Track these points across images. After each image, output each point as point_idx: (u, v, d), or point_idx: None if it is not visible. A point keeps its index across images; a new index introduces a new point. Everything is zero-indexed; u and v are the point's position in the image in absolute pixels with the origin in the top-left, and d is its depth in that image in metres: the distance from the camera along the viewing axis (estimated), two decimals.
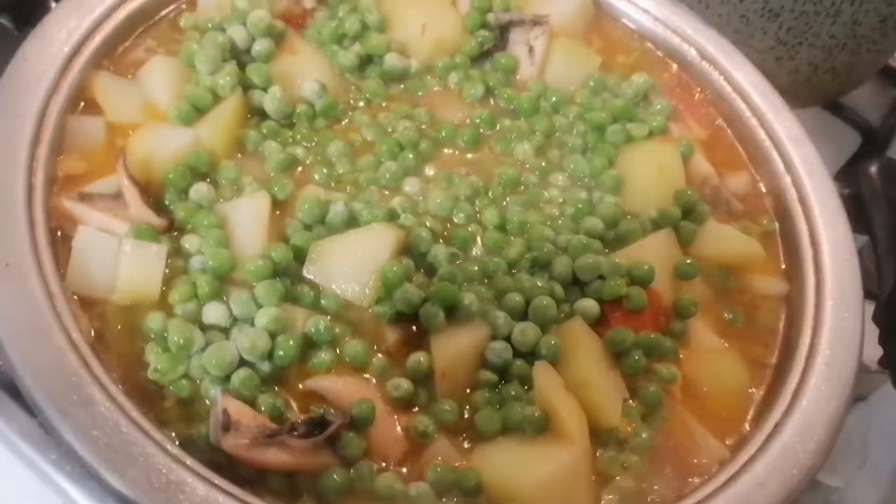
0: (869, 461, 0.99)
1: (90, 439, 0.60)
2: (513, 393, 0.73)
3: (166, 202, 0.76)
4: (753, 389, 0.81)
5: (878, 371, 0.90)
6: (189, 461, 0.61)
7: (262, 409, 0.67)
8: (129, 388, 0.66)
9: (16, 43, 0.80)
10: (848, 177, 1.12)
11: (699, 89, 1.03)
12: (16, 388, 0.82)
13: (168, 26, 0.90)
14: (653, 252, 0.83)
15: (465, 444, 0.71)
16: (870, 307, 0.90)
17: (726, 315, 0.85)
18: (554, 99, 0.95)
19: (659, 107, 0.97)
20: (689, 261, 0.84)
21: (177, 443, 0.63)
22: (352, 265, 0.74)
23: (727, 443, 0.76)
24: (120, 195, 0.74)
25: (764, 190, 0.96)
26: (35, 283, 0.66)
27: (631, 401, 0.76)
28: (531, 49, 0.96)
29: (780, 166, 0.95)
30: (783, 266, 0.91)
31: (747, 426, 0.78)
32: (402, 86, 0.93)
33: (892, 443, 1.07)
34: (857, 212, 0.95)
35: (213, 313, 0.70)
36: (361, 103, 0.90)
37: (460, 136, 0.89)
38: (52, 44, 0.79)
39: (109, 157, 0.78)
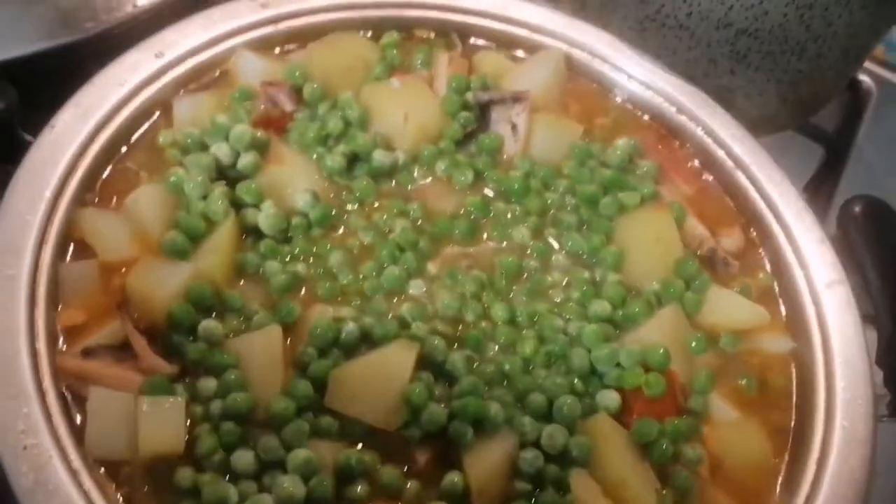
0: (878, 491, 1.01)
1: None
2: (549, 500, 0.72)
3: (174, 342, 0.74)
4: (777, 459, 0.81)
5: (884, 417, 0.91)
6: None
7: None
8: None
9: None
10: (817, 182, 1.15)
11: (678, 143, 1.03)
12: None
13: (146, 146, 0.87)
14: (663, 331, 0.83)
15: None
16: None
17: (740, 382, 0.85)
18: (542, 174, 0.94)
19: (645, 168, 0.97)
20: (699, 335, 0.85)
21: None
22: (374, 391, 0.72)
23: None
24: (126, 345, 0.72)
25: (758, 241, 0.97)
26: (57, 464, 0.63)
27: (663, 490, 0.76)
28: (514, 126, 0.95)
29: (770, 216, 0.96)
30: (785, 319, 0.91)
31: (777, 496, 0.79)
32: (392, 181, 0.91)
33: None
34: (848, 253, 0.96)
35: (242, 460, 0.68)
36: (354, 205, 0.88)
37: (456, 227, 0.88)
38: (32, 190, 0.76)
39: (108, 301, 0.75)
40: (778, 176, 0.99)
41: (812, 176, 1.38)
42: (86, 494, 0.63)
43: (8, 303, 0.70)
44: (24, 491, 0.62)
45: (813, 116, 1.30)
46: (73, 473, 0.63)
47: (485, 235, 0.90)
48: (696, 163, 1.02)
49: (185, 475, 0.67)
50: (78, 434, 0.67)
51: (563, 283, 0.87)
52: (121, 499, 0.66)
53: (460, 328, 0.81)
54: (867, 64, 1.51)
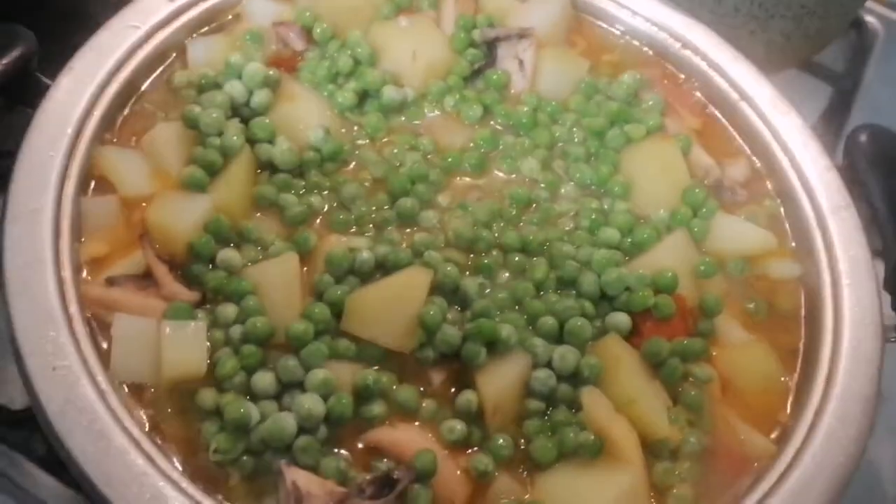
0: (884, 414, 1.03)
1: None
2: (562, 418, 0.74)
3: (194, 272, 0.76)
4: (786, 378, 0.83)
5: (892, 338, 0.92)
6: None
7: (326, 473, 0.67)
8: (192, 473, 0.66)
9: (7, 121, 0.79)
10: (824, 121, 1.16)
11: (684, 77, 1.04)
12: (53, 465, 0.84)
13: (162, 87, 0.88)
14: (671, 256, 0.84)
15: (524, 475, 0.72)
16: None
17: (749, 306, 0.87)
18: (550, 109, 0.95)
19: (651, 102, 0.98)
20: (707, 259, 0.86)
21: None
22: (389, 315, 0.74)
23: (771, 437, 0.78)
24: (148, 274, 0.74)
25: (763, 172, 0.98)
26: (86, 384, 0.65)
27: (674, 407, 0.78)
28: (521, 62, 0.96)
29: (776, 145, 0.97)
30: (793, 245, 0.93)
31: (787, 414, 0.80)
32: (402, 117, 0.92)
33: None
34: (855, 182, 0.97)
35: (262, 382, 0.70)
36: (365, 140, 0.90)
37: (466, 161, 0.90)
38: (54, 128, 0.78)
39: (129, 234, 0.77)
40: (783, 106, 1.00)
41: (820, 115, 1.38)
42: (113, 412, 0.65)
43: (34, 234, 0.71)
44: (55, 411, 0.64)
45: (818, 54, 1.30)
46: (101, 394, 0.66)
47: (494, 168, 0.91)
48: (701, 96, 1.03)
49: (206, 396, 0.70)
50: (104, 359, 0.69)
51: (573, 213, 0.89)
52: (146, 420, 0.68)
53: (472, 256, 0.83)
54: (873, 5, 1.51)
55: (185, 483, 0.63)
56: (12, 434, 0.87)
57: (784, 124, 0.98)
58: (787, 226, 0.94)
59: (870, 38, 1.47)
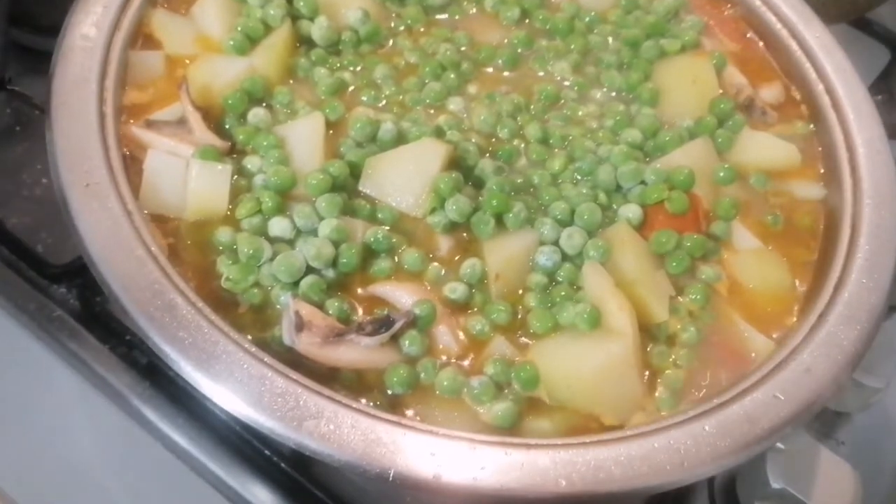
0: None
1: (176, 340, 0.64)
2: (563, 293, 0.76)
3: (226, 126, 0.80)
4: (797, 282, 0.83)
5: None
6: (267, 358, 0.65)
7: (330, 312, 0.71)
8: (204, 297, 0.70)
9: None
10: (881, 84, 1.14)
11: (729, 5, 1.05)
12: (92, 320, 0.90)
13: None
14: (691, 159, 0.85)
15: (523, 341, 0.75)
16: None
17: (767, 218, 0.87)
18: (588, 18, 0.97)
19: (690, 22, 1.00)
20: (727, 166, 0.87)
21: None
22: (405, 178, 0.77)
23: (774, 336, 0.79)
24: (184, 121, 0.78)
25: (798, 98, 0.98)
26: (114, 202, 0.70)
27: (679, 299, 0.79)
28: None
29: (813, 74, 0.97)
30: (821, 171, 0.93)
31: (792, 320, 0.81)
32: (442, 14, 0.95)
33: None
34: (891, 118, 0.97)
35: (278, 226, 0.74)
36: (402, 28, 0.93)
37: (499, 56, 0.92)
38: None
39: (170, 87, 0.82)
40: (829, 43, 1.00)
41: (877, 77, 1.36)
42: (137, 230, 0.69)
43: (82, 67, 0.76)
44: (84, 220, 0.69)
45: (873, 10, 1.29)
46: (128, 213, 0.70)
47: (526, 66, 0.93)
48: (744, 23, 1.03)
49: (224, 232, 0.74)
50: (134, 190, 0.74)
51: (599, 114, 0.91)
52: (166, 247, 0.72)
53: (493, 141, 0.86)
54: None
55: (194, 297, 0.67)
56: (52, 289, 0.93)
57: (826, 58, 0.98)
58: (817, 148, 0.94)
59: None
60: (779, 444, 0.88)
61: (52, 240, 0.97)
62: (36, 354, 0.90)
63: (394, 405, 0.69)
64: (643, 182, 0.82)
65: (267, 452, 0.84)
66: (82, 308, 0.92)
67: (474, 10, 0.96)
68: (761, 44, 1.03)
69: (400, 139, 0.81)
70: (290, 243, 0.74)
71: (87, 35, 0.78)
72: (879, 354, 0.97)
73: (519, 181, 0.82)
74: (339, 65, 0.88)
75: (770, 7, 1.02)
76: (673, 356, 0.76)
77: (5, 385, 0.89)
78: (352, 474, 0.64)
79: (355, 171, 0.78)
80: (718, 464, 0.67)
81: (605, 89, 0.93)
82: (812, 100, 0.96)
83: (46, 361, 0.90)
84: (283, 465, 0.84)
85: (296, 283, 0.72)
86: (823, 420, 1.03)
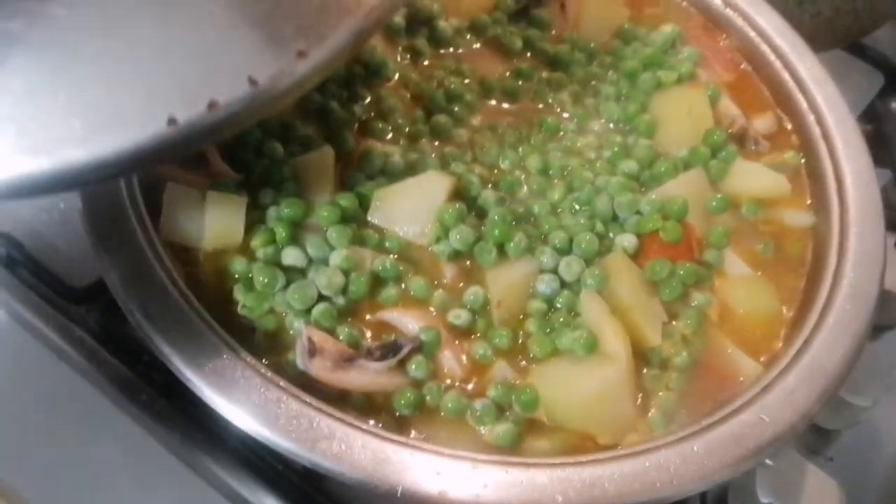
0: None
1: (197, 365, 0.68)
2: (562, 319, 0.80)
3: (242, 158, 0.84)
4: (785, 308, 0.87)
5: None
6: (282, 382, 0.69)
7: (341, 337, 0.75)
8: (222, 323, 0.74)
9: None
10: (871, 114, 1.18)
11: (724, 36, 1.09)
12: (110, 341, 0.94)
13: None
14: (685, 189, 0.89)
15: (523, 365, 0.79)
16: (892, 238, 0.96)
17: (757, 246, 0.91)
18: (587, 50, 1.01)
19: (686, 54, 1.04)
20: (719, 196, 0.91)
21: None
22: (411, 209, 0.81)
23: (761, 360, 0.83)
24: (200, 155, 0.82)
25: (789, 128, 1.02)
26: (137, 231, 0.74)
27: (671, 325, 0.83)
28: (563, 5, 1.03)
29: (804, 105, 1.01)
30: (809, 201, 0.97)
31: (779, 344, 0.85)
32: (449, 48, 1.00)
33: None
34: (880, 147, 1.01)
35: (291, 256, 0.78)
36: (408, 61, 0.97)
37: (502, 88, 0.96)
38: None
39: None
40: (820, 74, 1.03)
41: (871, 102, 1.40)
42: (159, 259, 0.74)
43: None
44: (111, 252, 0.73)
45: (870, 34, 1.33)
46: (150, 242, 0.74)
47: (527, 98, 0.98)
48: (739, 54, 1.07)
49: (239, 262, 0.78)
50: (154, 220, 0.78)
51: (597, 145, 0.95)
52: (185, 275, 0.77)
53: (496, 172, 0.90)
54: None
55: (213, 323, 0.71)
56: (72, 310, 0.97)
57: (817, 90, 1.02)
58: (806, 180, 0.98)
59: None
60: (768, 461, 0.92)
61: (72, 262, 1.01)
62: (57, 372, 0.94)
63: (401, 426, 0.73)
64: (639, 212, 0.86)
65: (279, 467, 0.87)
66: (101, 329, 0.96)
67: (478, 44, 1.01)
68: (755, 74, 1.06)
69: (407, 171, 0.86)
70: (303, 272, 0.79)
71: None
72: (866, 374, 1.01)
73: (520, 210, 0.86)
74: (348, 97, 0.92)
75: (764, 38, 1.06)
76: (665, 379, 0.80)
77: (28, 402, 0.93)
78: (362, 491, 0.68)
79: (364, 203, 0.82)
80: (706, 481, 0.71)
81: (603, 120, 0.97)
82: (803, 130, 1.00)
83: (67, 379, 0.94)
84: (294, 479, 0.88)
85: (308, 310, 0.76)
86: (814, 437, 1.07)
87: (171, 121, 0.56)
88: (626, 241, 0.85)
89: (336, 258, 0.78)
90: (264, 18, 0.61)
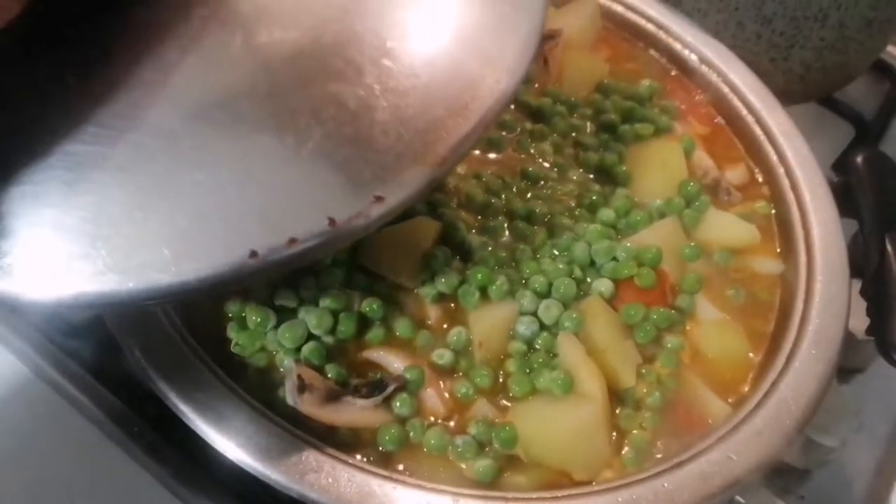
0: (865, 426, 1.10)
1: (193, 400, 0.72)
2: (540, 360, 0.84)
3: None
4: (752, 354, 0.91)
5: (865, 339, 1.00)
6: (272, 416, 0.73)
7: (329, 375, 0.79)
8: (216, 359, 0.77)
9: None
10: (838, 167, 1.23)
11: (699, 91, 1.14)
12: (103, 374, 0.97)
13: None
14: (660, 237, 0.93)
15: (503, 403, 0.82)
16: (858, 284, 1.00)
17: (729, 292, 0.95)
18: (568, 103, 1.06)
19: (664, 107, 1.09)
20: (692, 244, 0.96)
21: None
22: (399, 253, 0.85)
23: (729, 401, 0.87)
24: None
25: (760, 179, 1.07)
26: None
27: (645, 367, 0.87)
28: (546, 60, 1.08)
29: (774, 158, 1.06)
30: (778, 249, 1.01)
31: (747, 387, 0.89)
32: None
33: (886, 409, 1.18)
34: (847, 198, 1.05)
35: (283, 296, 0.82)
36: None
37: (487, 139, 1.01)
38: None
39: None
40: (789, 128, 1.09)
41: (841, 153, 1.46)
42: None
43: None
44: None
45: (839, 90, 1.39)
46: None
47: (510, 148, 1.02)
48: (713, 109, 1.13)
49: (234, 304, 0.82)
50: None
51: (577, 194, 0.99)
52: (181, 313, 0.80)
53: (480, 219, 0.94)
54: None
55: (208, 360, 0.75)
56: (66, 343, 1.00)
57: (786, 143, 1.07)
58: (775, 228, 1.03)
59: None
60: (739, 498, 0.95)
61: None
62: (51, 404, 0.97)
63: (386, 461, 0.77)
64: (615, 258, 0.91)
65: (269, 500, 0.90)
66: (94, 362, 0.99)
67: None
68: (728, 128, 1.12)
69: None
70: (294, 311, 0.82)
71: None
72: (835, 416, 1.05)
73: (502, 255, 0.91)
74: None
75: (737, 94, 1.12)
76: (639, 419, 0.83)
77: (22, 429, 0.96)
78: None
79: (354, 246, 0.86)
80: None
81: (582, 170, 1.02)
82: (773, 181, 1.05)
83: (60, 411, 0.97)
84: None
85: (298, 349, 0.80)
86: (785, 477, 1.11)
87: (253, 253, 0.61)
88: (603, 286, 0.89)
89: (326, 300, 0.81)
90: (346, 162, 0.66)
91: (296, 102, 0.69)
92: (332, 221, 0.63)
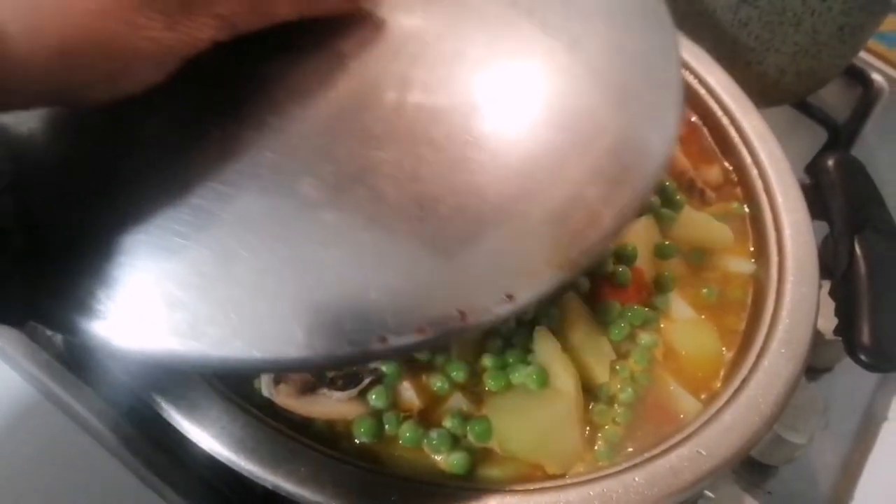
0: (832, 424, 1.12)
1: (173, 395, 0.72)
2: (516, 356, 0.85)
3: None
4: (725, 350, 0.93)
5: (833, 339, 1.02)
6: (248, 408, 0.74)
7: None
8: None
9: None
10: (811, 169, 1.25)
11: None
12: (76, 364, 0.97)
13: None
14: (636, 236, 0.95)
15: (477, 397, 0.83)
16: (827, 285, 1.02)
17: (703, 291, 0.97)
18: None
19: None
20: (667, 242, 0.97)
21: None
22: None
23: (702, 397, 0.88)
24: None
25: (735, 180, 1.09)
26: None
27: (619, 363, 0.88)
28: None
29: (749, 159, 1.07)
30: (751, 248, 1.03)
31: (719, 384, 0.90)
32: None
33: (852, 408, 1.21)
34: (818, 201, 1.07)
35: None
36: None
37: None
38: None
39: None
40: (763, 131, 1.11)
41: (814, 156, 1.48)
42: None
43: None
44: None
45: (813, 94, 1.41)
46: None
47: None
48: (688, 108, 1.14)
49: None
50: None
51: None
52: None
53: None
54: (883, 65, 1.62)
55: None
56: (37, 333, 1.00)
57: (760, 145, 1.09)
58: (749, 230, 1.05)
59: (874, 94, 1.58)
60: (708, 493, 0.97)
61: None
62: (24, 395, 0.97)
63: (361, 453, 0.77)
64: None
65: (241, 491, 0.91)
66: (67, 352, 0.99)
67: None
68: (705, 129, 1.13)
69: None
70: None
71: None
72: (803, 413, 1.07)
73: None
74: None
75: (713, 96, 1.13)
76: (612, 414, 0.85)
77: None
78: None
79: None
80: None
81: None
82: (747, 183, 1.07)
83: (34, 402, 0.96)
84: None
85: None
86: (753, 472, 1.13)
87: (382, 339, 0.59)
88: (579, 283, 0.90)
89: None
90: (486, 256, 0.63)
91: (438, 190, 0.64)
92: (462, 315, 0.60)
